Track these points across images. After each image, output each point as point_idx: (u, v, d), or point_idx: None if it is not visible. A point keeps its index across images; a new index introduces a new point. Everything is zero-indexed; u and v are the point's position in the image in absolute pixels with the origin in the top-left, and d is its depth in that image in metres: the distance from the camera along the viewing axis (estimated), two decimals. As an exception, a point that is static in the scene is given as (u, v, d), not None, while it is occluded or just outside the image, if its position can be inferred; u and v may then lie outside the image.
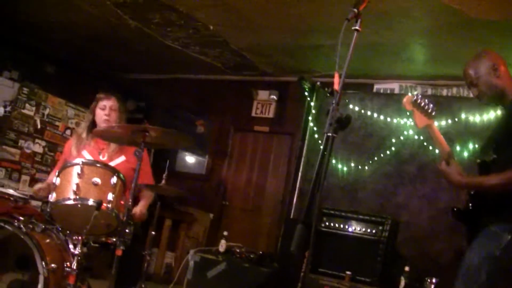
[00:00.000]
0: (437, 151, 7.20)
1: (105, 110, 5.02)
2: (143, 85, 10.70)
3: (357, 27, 2.80)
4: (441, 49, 7.03)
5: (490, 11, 5.80)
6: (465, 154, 6.98)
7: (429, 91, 7.97)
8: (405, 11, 6.11)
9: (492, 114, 7.18)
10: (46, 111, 9.09)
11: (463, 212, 3.60)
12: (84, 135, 5.09)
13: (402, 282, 6.05)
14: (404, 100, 3.59)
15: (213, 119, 9.96)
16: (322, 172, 2.54)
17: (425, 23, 6.35)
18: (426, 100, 3.59)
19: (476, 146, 7.07)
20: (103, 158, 4.95)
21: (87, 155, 4.95)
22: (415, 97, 3.54)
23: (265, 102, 9.40)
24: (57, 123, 9.25)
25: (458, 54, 7.00)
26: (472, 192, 3.57)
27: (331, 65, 8.10)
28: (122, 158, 5.03)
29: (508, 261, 3.17)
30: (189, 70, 9.84)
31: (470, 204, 3.56)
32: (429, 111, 3.60)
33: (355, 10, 2.76)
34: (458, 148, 6.91)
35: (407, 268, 6.10)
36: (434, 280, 5.90)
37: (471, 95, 7.47)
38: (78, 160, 4.25)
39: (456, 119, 7.36)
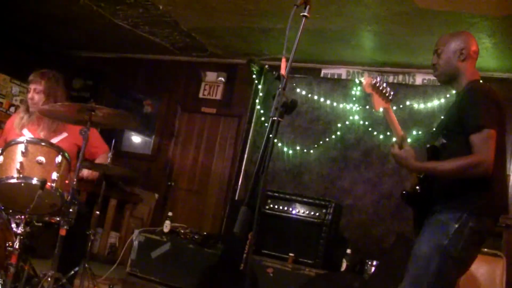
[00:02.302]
0: (381, 136, 7.35)
1: (30, 93, 5.03)
2: (91, 63, 10.56)
3: (305, 13, 2.82)
4: (390, 37, 7.10)
5: (440, 2, 5.90)
6: (409, 140, 7.11)
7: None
8: (355, -2, 6.18)
9: (436, 102, 7.33)
10: (-11, 87, 8.92)
11: (412, 195, 3.67)
12: (24, 113, 5.07)
13: (344, 264, 6.17)
14: (364, 82, 3.62)
15: (161, 100, 9.89)
16: (267, 155, 2.57)
17: (375, 10, 6.40)
18: (385, 84, 3.62)
19: (420, 132, 7.21)
20: (43, 136, 4.91)
21: (27, 133, 4.91)
22: (375, 80, 3.58)
23: (213, 84, 9.38)
24: (0, 100, 9.08)
25: (407, 42, 7.11)
26: (421, 176, 3.64)
27: (280, 48, 8.12)
28: (64, 134, 5.02)
29: (455, 250, 3.23)
30: (138, 49, 9.74)
31: (418, 188, 3.62)
32: (387, 95, 3.64)
33: (304, -4, 2.79)
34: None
35: (349, 251, 6.22)
36: (374, 263, 6.03)
37: (417, 83, 7.69)
38: (23, 139, 4.21)
39: (401, 106, 7.49)
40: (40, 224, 4.29)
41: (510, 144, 6.95)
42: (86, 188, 7.69)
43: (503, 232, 6.43)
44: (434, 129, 3.78)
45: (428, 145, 3.64)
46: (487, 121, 3.24)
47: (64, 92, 5.21)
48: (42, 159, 4.12)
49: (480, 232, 3.28)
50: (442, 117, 3.77)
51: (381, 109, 3.69)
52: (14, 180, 4.02)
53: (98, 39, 9.62)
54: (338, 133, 7.90)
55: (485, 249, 5.50)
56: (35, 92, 5.02)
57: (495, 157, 3.19)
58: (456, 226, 3.24)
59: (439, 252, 3.24)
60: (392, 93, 3.68)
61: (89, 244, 5.24)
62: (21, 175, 4.02)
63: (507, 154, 7.04)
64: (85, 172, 4.98)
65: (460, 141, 3.30)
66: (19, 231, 4.01)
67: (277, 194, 6.65)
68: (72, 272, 4.73)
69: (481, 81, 3.61)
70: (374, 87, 3.57)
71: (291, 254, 6.22)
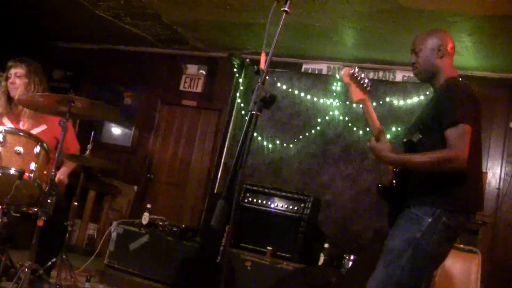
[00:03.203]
0: (361, 132, 7.39)
1: (10, 78, 4.98)
2: (72, 54, 10.50)
3: (286, 8, 2.83)
4: (371, 33, 7.14)
5: (421, 0, 5.95)
6: (388, 136, 7.15)
7: (357, 74, 8.11)
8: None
9: (416, 99, 7.38)
10: (-32, 76, 8.82)
11: (387, 188, 3.68)
12: (4, 102, 5.03)
13: (321, 258, 6.19)
14: (343, 72, 3.59)
15: (141, 92, 9.87)
16: (245, 149, 2.58)
17: (357, 7, 6.43)
18: (363, 75, 3.61)
19: (399, 129, 7.25)
20: (23, 126, 4.88)
21: (7, 123, 4.88)
22: (353, 70, 3.55)
23: (194, 77, 9.37)
24: (-21, 89, 8.99)
25: (388, 39, 7.15)
26: (396, 170, 3.64)
27: (261, 43, 8.08)
28: (43, 127, 4.98)
29: (428, 244, 3.25)
30: (120, 41, 9.71)
31: (394, 181, 3.63)
32: (365, 86, 3.61)
33: (285, -9, 2.80)
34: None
35: (326, 245, 6.25)
36: (352, 257, 6.06)
37: (397, 80, 7.73)
38: (1, 128, 4.19)
39: (381, 102, 7.53)
40: (18, 214, 4.27)
41: (488, 142, 7.03)
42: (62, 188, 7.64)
43: (479, 229, 6.50)
44: (411, 124, 3.79)
45: (404, 140, 3.66)
46: (463, 116, 3.25)
47: (44, 81, 5.18)
48: (20, 149, 4.11)
49: (453, 227, 3.30)
50: (420, 113, 3.78)
51: (358, 102, 3.69)
52: (-9, 170, 4.00)
53: (79, 30, 9.57)
54: (318, 128, 7.92)
55: (461, 245, 5.56)
56: (16, 76, 4.98)
57: (470, 153, 3.19)
58: (430, 220, 3.25)
59: (411, 246, 3.26)
60: (370, 84, 3.66)
61: (67, 235, 5.21)
62: (-1, 165, 4.01)
63: (483, 152, 7.13)
64: (56, 178, 4.87)
65: (436, 136, 3.31)
66: (-4, 222, 4.00)
67: (256, 188, 6.66)
68: (50, 263, 4.71)
69: (460, 78, 3.63)
70: (352, 77, 3.56)
71: (269, 248, 6.24)
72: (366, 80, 3.63)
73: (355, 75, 3.56)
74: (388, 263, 3.36)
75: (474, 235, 6.37)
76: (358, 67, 3.62)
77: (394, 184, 3.64)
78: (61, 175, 4.97)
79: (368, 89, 3.65)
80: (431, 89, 3.75)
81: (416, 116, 3.79)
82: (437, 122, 3.34)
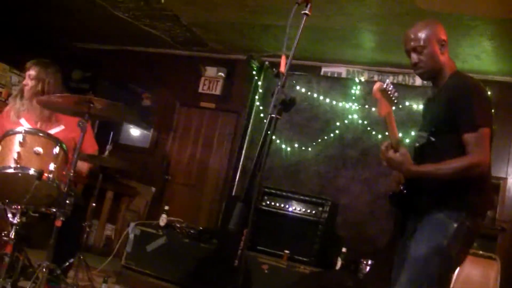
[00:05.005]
0: (380, 136, 7.34)
1: (25, 79, 5.05)
2: (91, 55, 10.53)
3: (306, 11, 2.82)
4: (390, 37, 7.10)
5: (441, 3, 5.91)
6: (407, 141, 7.11)
7: (376, 77, 8.07)
8: (357, -2, 6.18)
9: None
10: (-12, 77, 8.87)
11: (398, 196, 3.57)
12: (19, 100, 5.08)
13: (339, 263, 6.17)
14: (374, 87, 3.35)
15: (160, 93, 9.88)
16: (264, 152, 2.57)
17: (376, 10, 6.41)
18: (391, 87, 3.35)
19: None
20: (40, 126, 4.92)
21: (25, 123, 4.91)
22: (385, 85, 3.32)
23: (212, 79, 9.37)
24: (-1, 89, 9.05)
25: (406, 43, 7.11)
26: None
27: (280, 45, 8.12)
28: (60, 127, 5.02)
29: (454, 250, 3.19)
30: (138, 42, 9.74)
31: (402, 188, 3.54)
32: (393, 98, 3.39)
33: (306, -6, 2.78)
34: (400, 135, 7.04)
35: (344, 249, 6.22)
36: (369, 262, 6.03)
37: (416, 84, 7.67)
38: (21, 129, 4.22)
39: (400, 106, 7.48)
40: (36, 214, 4.29)
41: (508, 147, 6.97)
42: (82, 180, 7.68)
43: (498, 235, 6.44)
44: (420, 126, 3.69)
45: (417, 144, 3.58)
46: (482, 119, 3.18)
47: (58, 82, 5.18)
48: (39, 149, 4.12)
49: (474, 231, 3.25)
50: (426, 114, 3.70)
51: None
52: (11, 170, 4.01)
53: (99, 31, 9.62)
54: (337, 131, 7.89)
55: (480, 252, 5.51)
56: (30, 78, 5.05)
57: None
58: (455, 225, 3.17)
59: (438, 253, 3.17)
60: (396, 95, 3.48)
61: (85, 236, 5.24)
62: (18, 165, 4.02)
63: (504, 158, 7.07)
64: (79, 164, 4.93)
65: (450, 139, 3.26)
66: (14, 221, 4.01)
67: (273, 191, 6.65)
68: (67, 263, 4.73)
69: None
70: (383, 92, 3.33)
71: (286, 251, 6.22)
72: (393, 91, 3.40)
73: (387, 90, 3.34)
74: (414, 273, 3.25)
75: (493, 241, 6.31)
76: (387, 77, 3.52)
77: (404, 191, 3.55)
78: (81, 164, 5.02)
79: (395, 101, 3.46)
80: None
81: (423, 118, 3.72)
82: (449, 124, 3.27)
